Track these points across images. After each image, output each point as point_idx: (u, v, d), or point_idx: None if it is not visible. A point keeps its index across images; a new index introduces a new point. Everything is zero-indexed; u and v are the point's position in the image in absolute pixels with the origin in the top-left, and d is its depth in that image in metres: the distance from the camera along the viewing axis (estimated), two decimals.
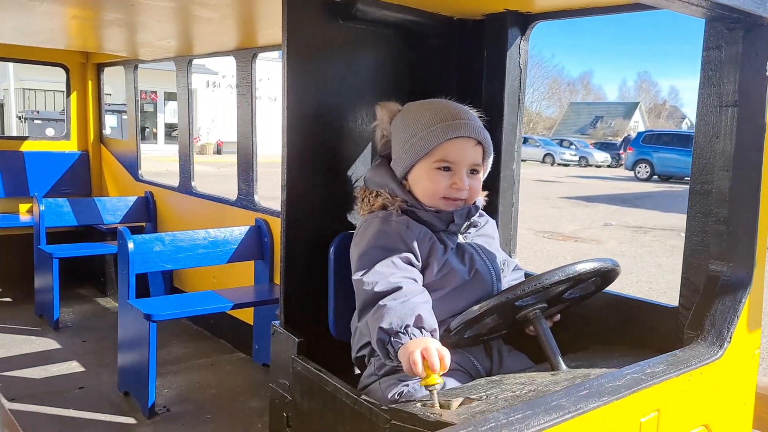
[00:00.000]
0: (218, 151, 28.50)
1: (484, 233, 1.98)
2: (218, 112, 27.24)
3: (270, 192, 3.99)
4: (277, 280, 3.57)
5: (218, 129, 28.03)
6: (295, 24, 2.00)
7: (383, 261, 1.74)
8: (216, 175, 18.05)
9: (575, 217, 13.95)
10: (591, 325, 2.03)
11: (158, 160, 17.62)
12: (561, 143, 40.00)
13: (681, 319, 1.74)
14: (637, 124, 64.20)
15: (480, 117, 1.94)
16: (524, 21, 2.20)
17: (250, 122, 3.65)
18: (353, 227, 2.05)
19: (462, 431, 1.15)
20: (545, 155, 37.38)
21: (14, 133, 18.98)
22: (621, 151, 35.48)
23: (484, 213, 2.01)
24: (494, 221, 2.07)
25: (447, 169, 1.83)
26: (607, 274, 1.80)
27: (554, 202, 17.04)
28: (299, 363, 1.92)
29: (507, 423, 1.18)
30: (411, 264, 1.78)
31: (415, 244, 1.79)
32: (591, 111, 68.33)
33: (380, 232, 1.80)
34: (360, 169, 2.17)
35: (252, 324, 3.67)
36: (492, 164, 2.07)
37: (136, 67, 4.84)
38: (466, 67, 2.29)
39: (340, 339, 2.04)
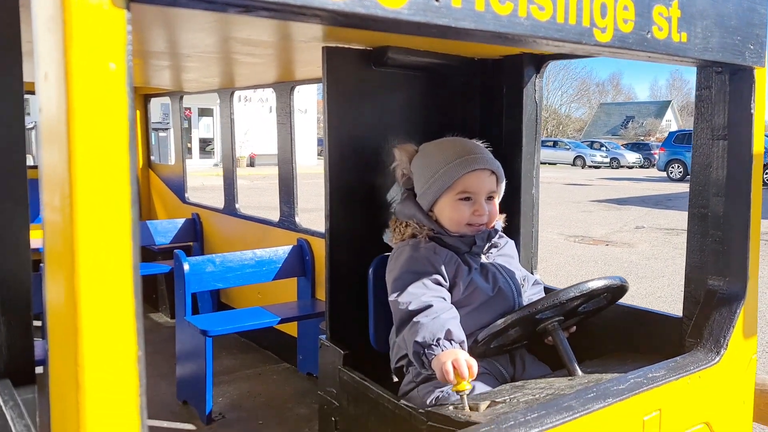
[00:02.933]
0: (251, 164, 29.09)
1: (504, 253, 2.21)
2: (250, 126, 27.80)
3: (301, 204, 4.24)
4: (319, 295, 3.85)
5: (251, 142, 28.60)
6: (334, 72, 2.27)
7: (415, 283, 1.98)
8: (250, 188, 18.45)
9: (606, 221, 13.95)
10: (605, 334, 2.25)
11: (193, 175, 18.10)
12: (591, 145, 39.76)
13: (684, 329, 1.95)
14: (670, 123, 63.35)
15: (496, 148, 2.19)
16: (538, 61, 2.43)
17: (290, 150, 3.93)
18: (388, 250, 2.30)
19: (485, 429, 1.39)
20: (576, 158, 37.22)
21: None
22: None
23: (503, 235, 2.25)
24: (513, 242, 2.30)
25: (468, 198, 2.07)
26: (617, 290, 2.02)
27: (585, 205, 17.03)
28: (345, 373, 2.17)
29: (524, 422, 1.42)
30: (440, 284, 2.02)
31: (443, 267, 2.03)
32: (622, 111, 67.67)
33: (411, 258, 2.04)
34: (393, 197, 2.43)
35: (296, 336, 3.94)
36: (513, 190, 2.32)
37: (181, 98, 5.17)
38: (488, 103, 2.54)
39: (380, 351, 2.29)
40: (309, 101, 32.31)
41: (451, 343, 1.82)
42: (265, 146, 28.71)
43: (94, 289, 0.83)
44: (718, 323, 1.84)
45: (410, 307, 1.92)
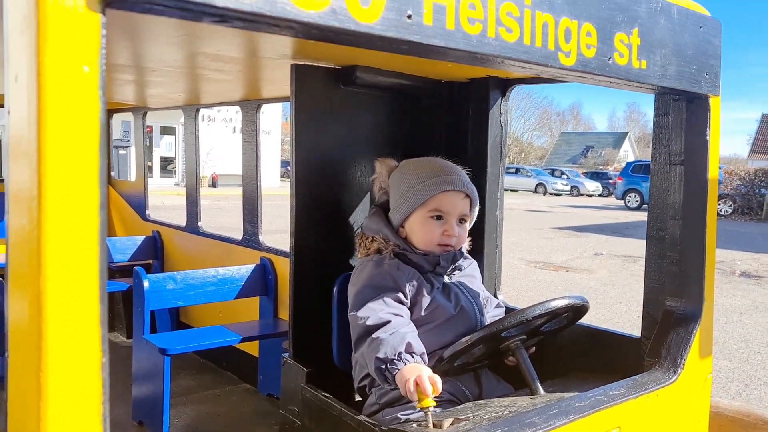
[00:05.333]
0: (213, 184, 28.78)
1: (468, 274, 2.23)
2: (213, 146, 27.56)
3: (264, 226, 4.21)
4: (281, 314, 3.81)
5: (213, 162, 28.33)
6: (302, 89, 2.28)
7: (375, 299, 1.98)
8: (212, 208, 18.22)
9: (566, 247, 14.20)
10: (567, 354, 2.29)
11: (154, 194, 17.76)
12: (553, 173, 40.60)
13: (643, 348, 2.00)
14: (627, 153, 65.05)
15: (466, 170, 2.22)
16: (504, 84, 2.49)
17: (255, 168, 3.91)
18: (353, 268, 2.30)
19: None
20: (537, 185, 37.94)
21: None
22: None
23: (468, 256, 2.27)
24: (476, 263, 2.33)
25: (439, 218, 2.09)
26: (579, 309, 2.06)
27: (546, 232, 17.31)
28: (308, 391, 2.15)
29: None
30: (400, 302, 2.02)
31: (405, 284, 2.03)
32: (581, 141, 69.34)
33: (373, 274, 2.05)
34: (359, 217, 2.44)
35: (257, 356, 3.89)
36: (478, 210, 2.34)
37: (145, 114, 5.12)
38: (454, 125, 2.58)
39: (344, 369, 2.27)
40: (273, 123, 32.23)
41: (412, 356, 1.82)
42: (228, 167, 28.55)
43: (60, 306, 0.81)
44: (676, 343, 1.89)
45: (368, 323, 1.92)
